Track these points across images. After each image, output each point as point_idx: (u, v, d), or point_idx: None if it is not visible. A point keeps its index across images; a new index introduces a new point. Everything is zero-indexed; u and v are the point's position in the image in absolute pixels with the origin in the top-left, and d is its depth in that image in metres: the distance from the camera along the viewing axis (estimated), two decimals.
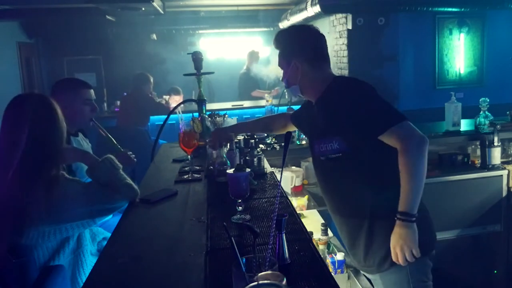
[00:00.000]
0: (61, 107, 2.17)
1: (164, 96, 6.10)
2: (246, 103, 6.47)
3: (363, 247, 1.79)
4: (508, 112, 3.57)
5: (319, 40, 1.86)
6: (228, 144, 2.20)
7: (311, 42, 1.86)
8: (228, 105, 6.24)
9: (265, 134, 3.28)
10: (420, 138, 1.63)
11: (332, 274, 1.38)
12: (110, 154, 1.92)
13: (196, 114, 2.76)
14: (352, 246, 1.86)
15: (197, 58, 2.86)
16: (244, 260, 1.02)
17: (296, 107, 6.00)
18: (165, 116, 2.92)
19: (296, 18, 6.73)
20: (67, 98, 2.29)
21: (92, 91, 2.44)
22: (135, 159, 2.53)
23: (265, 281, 0.90)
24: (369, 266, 1.81)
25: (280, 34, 1.91)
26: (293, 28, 1.96)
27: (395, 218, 1.63)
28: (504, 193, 3.19)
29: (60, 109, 1.89)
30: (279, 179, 1.36)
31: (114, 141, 2.55)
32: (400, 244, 1.62)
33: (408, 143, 1.62)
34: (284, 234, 1.23)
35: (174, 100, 5.88)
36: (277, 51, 1.91)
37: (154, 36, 7.84)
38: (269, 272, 0.98)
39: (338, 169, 1.79)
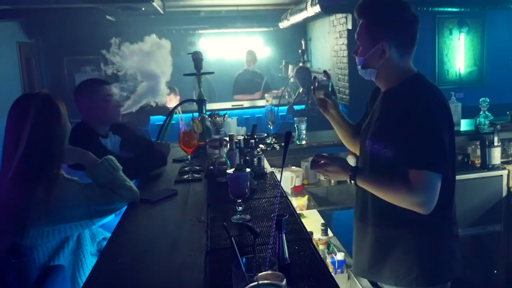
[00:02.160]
0: (86, 109, 2.27)
1: None
2: (246, 103, 6.47)
3: (385, 257, 1.66)
4: (508, 112, 3.57)
5: (417, 23, 1.61)
6: (228, 144, 2.20)
7: (410, 24, 1.60)
8: (228, 105, 6.24)
9: (265, 134, 3.28)
10: (425, 201, 1.46)
11: (332, 274, 1.38)
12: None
13: (196, 114, 2.76)
14: (374, 255, 1.70)
15: (197, 58, 2.86)
16: (244, 260, 1.02)
17: (298, 107, 5.99)
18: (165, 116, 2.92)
19: (296, 18, 6.73)
20: (88, 99, 2.36)
21: (111, 86, 2.43)
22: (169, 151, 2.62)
23: (265, 281, 0.90)
24: (388, 277, 1.67)
25: (379, 3, 1.61)
26: (400, 3, 1.60)
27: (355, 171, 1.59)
28: (504, 193, 3.18)
29: (86, 110, 2.22)
30: (279, 179, 1.36)
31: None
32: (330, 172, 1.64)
33: (414, 193, 1.47)
34: (284, 234, 1.23)
35: (168, 100, 5.87)
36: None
37: (154, 36, 7.82)
38: (269, 272, 0.98)
39: (382, 174, 1.60)
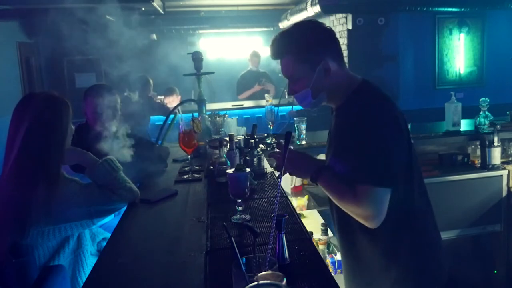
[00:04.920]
0: (89, 112, 2.47)
1: (159, 97, 6.09)
2: (246, 103, 6.47)
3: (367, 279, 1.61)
4: (508, 112, 3.57)
5: (335, 34, 1.56)
6: (228, 144, 2.20)
7: (332, 33, 1.54)
8: (228, 105, 6.24)
9: (265, 134, 3.28)
10: (372, 214, 1.39)
11: (332, 274, 1.38)
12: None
13: (196, 114, 2.76)
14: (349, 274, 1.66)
15: (197, 58, 2.86)
16: (244, 260, 1.02)
17: (298, 107, 6.01)
18: (165, 117, 2.93)
19: (296, 18, 6.73)
20: (85, 106, 2.50)
21: (116, 97, 2.49)
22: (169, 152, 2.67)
23: (265, 281, 0.90)
24: None
25: (291, 32, 1.52)
26: (303, 23, 1.56)
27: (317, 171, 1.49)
28: (504, 193, 3.19)
29: (89, 113, 2.37)
30: (279, 179, 1.36)
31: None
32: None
33: (361, 207, 1.40)
34: (284, 234, 1.23)
35: (169, 101, 5.88)
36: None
37: (154, 36, 7.83)
38: (269, 272, 0.98)
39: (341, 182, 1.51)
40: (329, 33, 1.53)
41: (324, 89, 1.52)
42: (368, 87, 1.54)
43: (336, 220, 1.63)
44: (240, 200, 1.66)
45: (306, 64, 1.49)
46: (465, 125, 3.48)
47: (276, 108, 3.19)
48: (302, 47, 1.49)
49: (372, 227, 1.42)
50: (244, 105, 6.30)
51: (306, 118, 3.27)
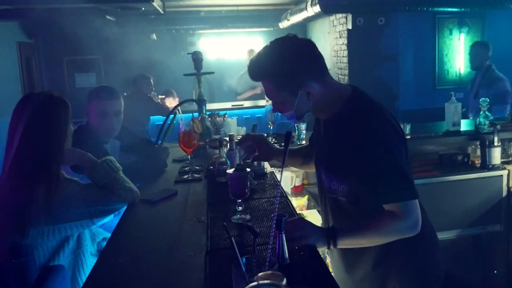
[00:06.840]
0: (92, 114, 2.41)
1: (160, 96, 6.10)
2: (246, 103, 6.47)
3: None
4: (508, 112, 3.57)
5: (315, 48, 1.47)
6: (228, 144, 2.20)
7: (311, 51, 1.46)
8: (228, 105, 6.24)
9: (265, 134, 3.28)
10: (413, 225, 1.39)
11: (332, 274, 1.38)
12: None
13: (196, 114, 2.76)
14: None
15: (197, 58, 2.86)
16: (244, 260, 1.02)
17: None
18: (165, 117, 2.92)
19: (296, 18, 6.74)
20: (88, 107, 2.41)
21: (109, 102, 2.40)
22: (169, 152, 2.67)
23: (265, 281, 0.90)
24: None
25: (265, 59, 1.43)
26: (279, 44, 1.44)
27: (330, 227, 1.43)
28: (504, 193, 3.19)
29: (91, 115, 2.32)
30: (279, 179, 1.36)
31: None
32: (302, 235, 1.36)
33: (401, 219, 1.38)
34: (284, 234, 1.23)
35: (168, 102, 5.89)
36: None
37: (154, 36, 7.84)
38: (269, 272, 0.98)
39: (350, 211, 1.51)
40: (308, 50, 1.45)
41: (309, 110, 1.48)
42: (360, 97, 1.50)
43: (332, 222, 1.61)
44: (240, 200, 1.66)
45: (287, 91, 1.44)
46: (465, 125, 3.48)
47: None
48: (280, 74, 1.42)
49: (414, 234, 1.41)
50: (244, 105, 6.30)
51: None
